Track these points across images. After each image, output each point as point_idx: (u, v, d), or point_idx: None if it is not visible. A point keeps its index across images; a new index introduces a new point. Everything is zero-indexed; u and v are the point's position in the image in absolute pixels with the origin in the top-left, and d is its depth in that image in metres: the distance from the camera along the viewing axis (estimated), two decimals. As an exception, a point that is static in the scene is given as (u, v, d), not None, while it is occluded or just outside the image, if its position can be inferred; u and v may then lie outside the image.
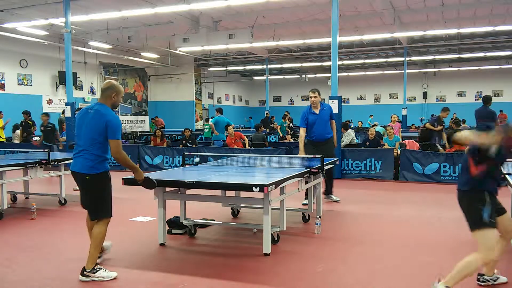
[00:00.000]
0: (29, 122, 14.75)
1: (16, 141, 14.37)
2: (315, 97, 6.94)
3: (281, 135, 16.87)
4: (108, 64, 22.12)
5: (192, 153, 9.03)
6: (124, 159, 3.89)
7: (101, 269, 3.89)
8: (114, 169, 12.51)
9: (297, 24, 16.71)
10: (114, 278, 3.88)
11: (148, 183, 4.13)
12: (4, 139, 14.00)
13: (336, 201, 7.37)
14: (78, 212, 6.88)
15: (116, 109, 4.28)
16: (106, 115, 3.86)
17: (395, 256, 4.57)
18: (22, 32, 15.39)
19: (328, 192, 7.45)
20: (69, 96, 12.82)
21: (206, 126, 15.79)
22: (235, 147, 11.33)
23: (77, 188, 4.10)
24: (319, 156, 5.60)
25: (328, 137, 7.04)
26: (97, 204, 3.95)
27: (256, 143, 12.18)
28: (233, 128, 11.99)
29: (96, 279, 3.82)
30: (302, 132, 7.06)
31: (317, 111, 6.99)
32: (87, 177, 3.87)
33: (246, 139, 11.81)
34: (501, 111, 21.68)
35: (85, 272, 3.84)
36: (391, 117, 14.35)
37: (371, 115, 23.67)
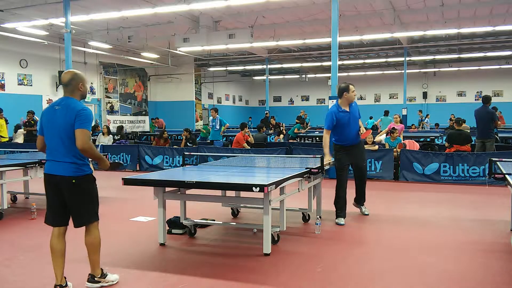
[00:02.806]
0: (32, 121, 14.79)
1: (17, 141, 14.38)
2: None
3: (302, 130, 16.82)
4: (108, 64, 22.14)
5: (192, 153, 9.07)
6: (91, 150, 3.52)
7: (107, 273, 3.78)
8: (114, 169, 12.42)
9: (297, 24, 16.71)
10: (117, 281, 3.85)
11: (115, 166, 3.95)
12: (7, 139, 14.02)
13: (366, 215, 6.48)
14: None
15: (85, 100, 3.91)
16: (76, 108, 3.52)
17: (395, 256, 4.57)
18: (22, 32, 15.40)
19: (359, 201, 6.56)
20: (69, 96, 12.80)
21: (204, 128, 15.85)
22: (244, 143, 11.42)
23: None
24: (319, 156, 5.59)
25: (360, 140, 6.22)
26: (87, 208, 3.62)
27: (257, 143, 12.21)
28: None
29: (106, 284, 3.72)
30: (327, 134, 6.00)
31: (347, 109, 5.99)
32: (74, 180, 3.52)
33: (252, 140, 11.93)
34: (499, 112, 21.61)
35: (95, 279, 3.68)
36: (394, 117, 14.25)
37: (371, 117, 23.64)
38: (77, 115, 3.48)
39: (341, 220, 5.99)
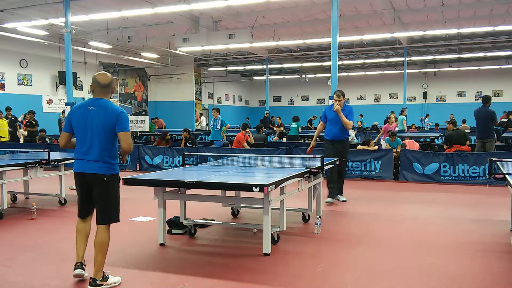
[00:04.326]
0: (33, 121, 14.86)
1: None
2: (339, 100, 7.00)
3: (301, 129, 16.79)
4: (108, 64, 22.13)
5: (192, 153, 9.07)
6: (132, 149, 3.82)
7: (109, 275, 3.77)
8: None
9: (297, 24, 16.72)
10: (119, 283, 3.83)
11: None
12: (8, 139, 14.08)
13: (343, 201, 7.42)
14: (78, 212, 6.89)
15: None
16: (116, 110, 3.72)
17: (395, 256, 4.57)
18: (22, 32, 15.41)
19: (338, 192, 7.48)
20: (69, 96, 12.83)
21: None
22: (244, 143, 11.48)
23: (74, 187, 3.98)
24: (319, 156, 5.61)
25: (344, 138, 7.17)
26: (114, 207, 3.80)
27: (257, 143, 12.23)
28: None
29: (108, 286, 3.71)
30: (320, 126, 7.43)
31: None
32: (105, 178, 3.71)
33: (252, 140, 11.99)
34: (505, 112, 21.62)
35: (97, 282, 3.66)
36: (390, 117, 14.26)
37: (360, 115, 23.72)
38: (118, 117, 3.69)
39: (330, 199, 7.25)
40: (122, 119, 3.69)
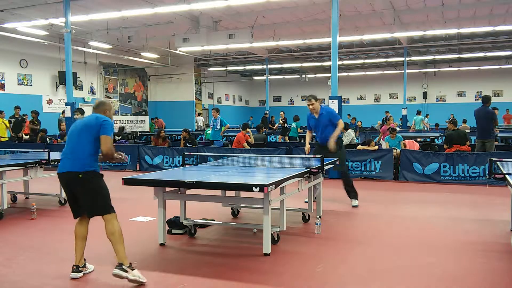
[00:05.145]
0: (35, 121, 14.90)
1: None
2: (311, 104, 6.91)
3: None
4: (108, 64, 22.14)
5: (192, 153, 9.07)
6: (112, 154, 3.94)
7: (135, 268, 3.80)
8: (114, 169, 12.41)
9: (297, 24, 16.71)
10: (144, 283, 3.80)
11: (118, 160, 4.15)
12: (7, 139, 14.09)
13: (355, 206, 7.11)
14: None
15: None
16: (101, 118, 3.98)
17: (395, 256, 4.57)
18: (22, 32, 15.41)
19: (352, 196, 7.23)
20: (69, 96, 12.84)
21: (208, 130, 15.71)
22: (244, 143, 11.46)
23: None
24: (319, 156, 5.61)
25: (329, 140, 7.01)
26: (101, 198, 3.93)
27: (257, 143, 12.22)
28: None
29: (132, 277, 3.71)
30: (308, 133, 7.41)
31: (316, 116, 7.02)
32: (80, 175, 3.86)
33: (252, 140, 11.99)
34: (507, 110, 21.80)
35: (123, 267, 3.72)
36: (390, 118, 14.27)
37: (348, 115, 23.69)
38: (102, 124, 3.94)
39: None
40: (105, 125, 3.93)
